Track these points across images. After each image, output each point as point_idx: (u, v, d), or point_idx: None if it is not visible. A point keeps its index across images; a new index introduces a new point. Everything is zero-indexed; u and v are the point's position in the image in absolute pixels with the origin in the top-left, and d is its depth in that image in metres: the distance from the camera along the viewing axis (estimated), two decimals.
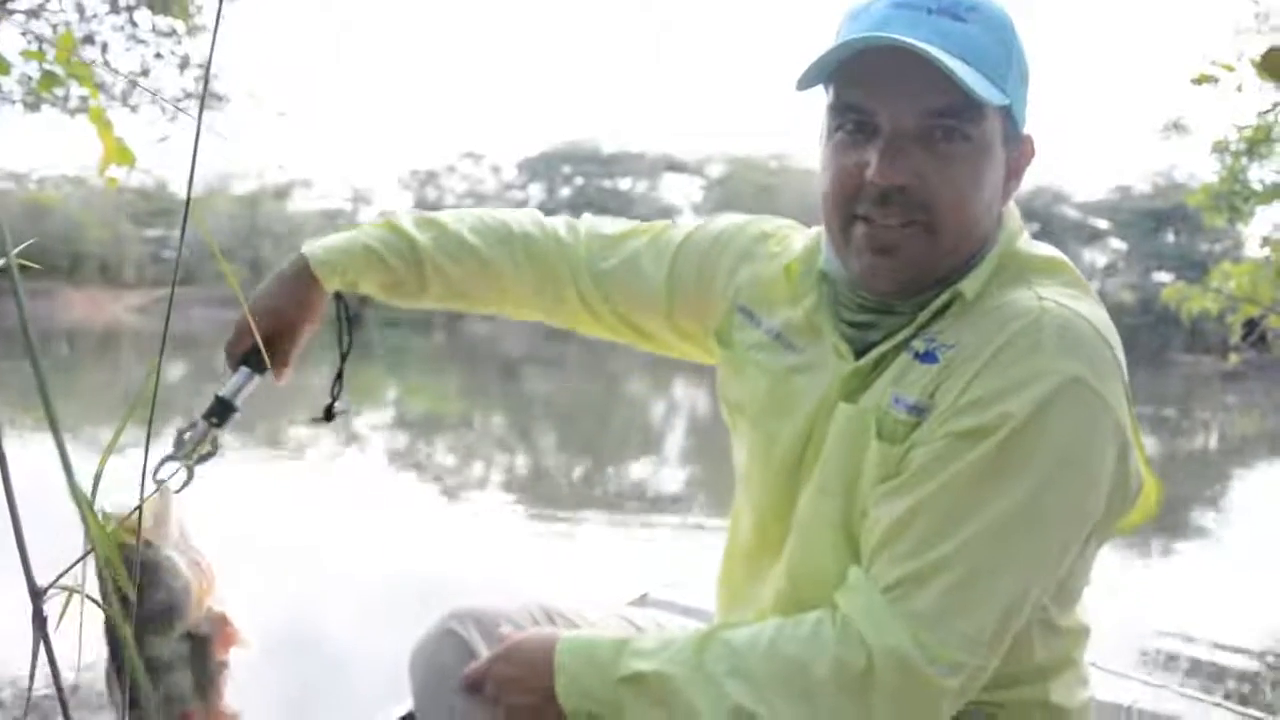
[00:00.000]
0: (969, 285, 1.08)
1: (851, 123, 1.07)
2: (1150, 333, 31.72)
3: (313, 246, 1.35)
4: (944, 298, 1.08)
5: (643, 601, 1.97)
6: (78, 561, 0.49)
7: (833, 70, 1.06)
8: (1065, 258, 1.14)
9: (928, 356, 1.06)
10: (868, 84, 1.05)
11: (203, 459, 1.25)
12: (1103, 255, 42.01)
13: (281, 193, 46.76)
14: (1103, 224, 41.47)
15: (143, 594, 1.01)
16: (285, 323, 1.33)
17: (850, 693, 1.00)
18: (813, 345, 1.18)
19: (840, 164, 1.08)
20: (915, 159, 1.04)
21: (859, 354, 1.13)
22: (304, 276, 1.33)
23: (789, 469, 1.18)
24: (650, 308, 1.38)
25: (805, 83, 1.07)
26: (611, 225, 1.42)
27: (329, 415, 1.38)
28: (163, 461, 1.19)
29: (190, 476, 1.17)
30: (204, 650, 1.08)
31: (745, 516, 1.26)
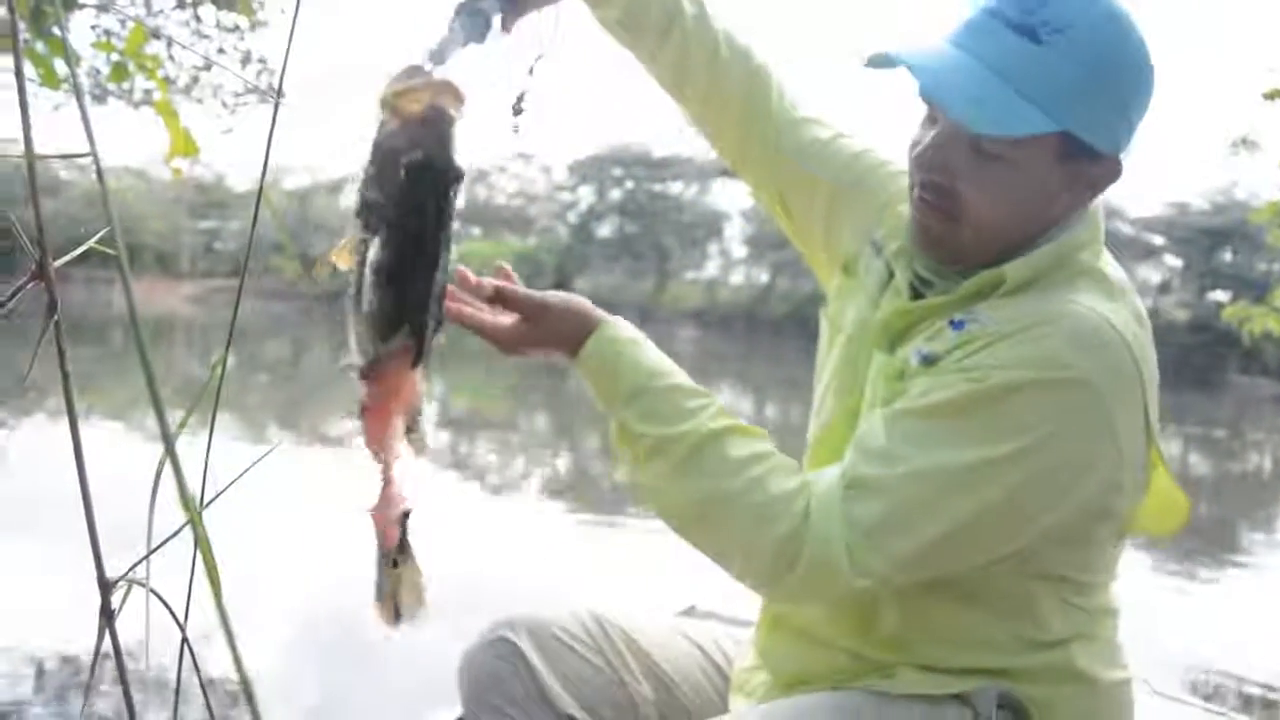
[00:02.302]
0: (1014, 269, 1.13)
1: (927, 105, 1.15)
2: (1205, 353, 31.15)
3: None
4: (989, 276, 1.13)
5: (690, 612, 1.96)
6: (150, 554, 0.48)
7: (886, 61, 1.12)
8: (1128, 282, 1.17)
9: (957, 325, 1.13)
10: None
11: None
12: (1157, 272, 41.34)
13: (334, 188, 47.28)
14: (1158, 240, 40.79)
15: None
16: None
17: (774, 557, 1.06)
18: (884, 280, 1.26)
19: (914, 136, 1.18)
20: (954, 157, 1.11)
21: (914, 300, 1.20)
22: None
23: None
24: (809, 192, 1.39)
25: (870, 66, 1.12)
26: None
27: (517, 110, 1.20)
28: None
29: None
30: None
31: (814, 428, 1.31)
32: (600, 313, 1.17)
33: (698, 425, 1.11)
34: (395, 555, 1.01)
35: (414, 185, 0.90)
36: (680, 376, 1.15)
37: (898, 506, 1.05)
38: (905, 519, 1.05)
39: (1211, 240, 39.09)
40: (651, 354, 1.16)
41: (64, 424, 0.51)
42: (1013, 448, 1.04)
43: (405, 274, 0.93)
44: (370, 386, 0.97)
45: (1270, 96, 6.70)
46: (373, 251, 0.92)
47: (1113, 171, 1.14)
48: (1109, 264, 1.18)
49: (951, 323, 1.13)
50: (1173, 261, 41.49)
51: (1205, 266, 39.93)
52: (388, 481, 1.00)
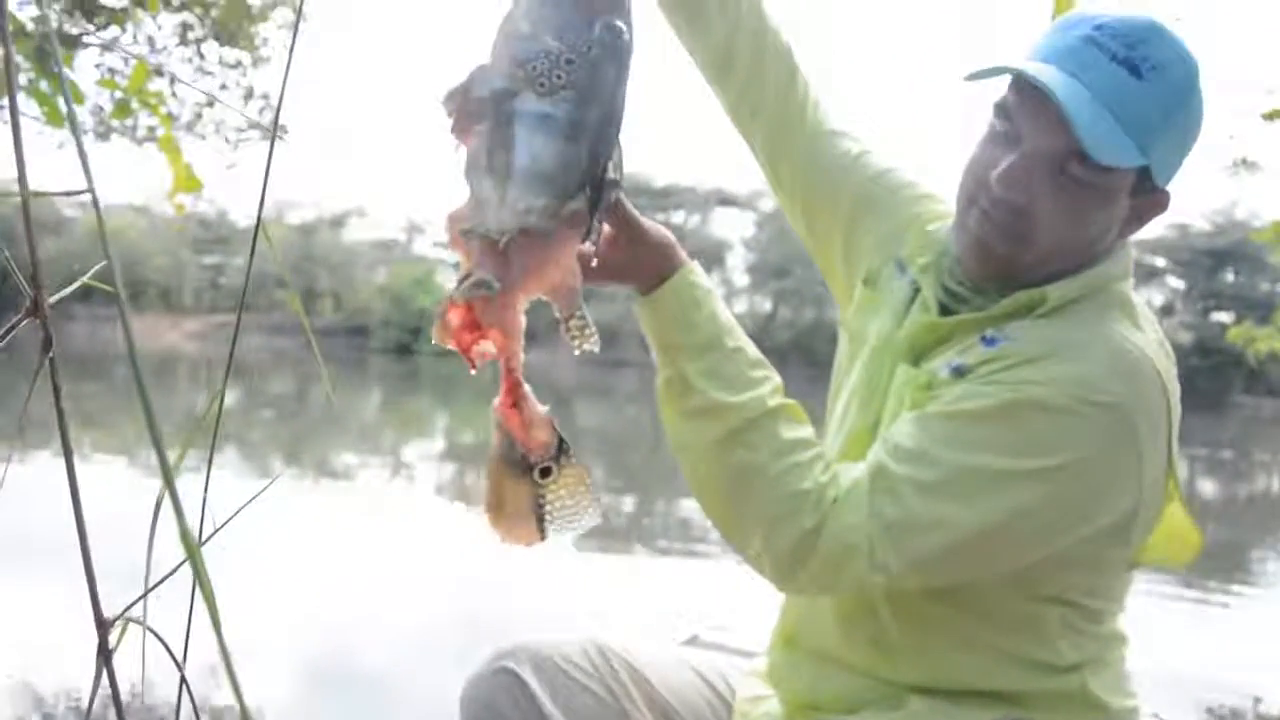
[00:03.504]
0: (1055, 290, 1.13)
1: (1003, 124, 1.14)
2: (1210, 374, 31.13)
3: None
4: (1027, 296, 1.14)
5: (693, 642, 1.95)
6: (148, 592, 0.48)
7: (1003, 73, 1.13)
8: (1151, 314, 1.19)
9: (989, 341, 1.13)
10: (1027, 100, 1.11)
11: None
12: (1159, 294, 41.37)
13: (337, 222, 47.56)
14: (1160, 262, 40.84)
15: None
16: None
17: (795, 543, 1.06)
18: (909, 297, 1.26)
19: (982, 152, 1.16)
20: (1035, 181, 1.10)
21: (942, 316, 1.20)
22: None
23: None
24: (832, 203, 1.39)
25: (978, 78, 1.14)
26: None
27: None
28: None
29: None
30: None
31: (836, 438, 1.29)
32: (683, 253, 1.11)
33: (757, 398, 1.09)
34: (548, 461, 0.91)
35: (612, 39, 0.85)
36: (746, 340, 1.12)
37: (923, 506, 1.05)
38: (929, 519, 1.05)
39: (1213, 261, 39.17)
40: (725, 310, 1.12)
41: (62, 461, 0.51)
42: (1043, 464, 1.05)
43: (595, 129, 0.86)
44: (516, 258, 0.86)
45: (1270, 117, 6.72)
46: (546, 104, 0.84)
47: (1162, 206, 1.17)
48: (1133, 293, 1.19)
49: (983, 339, 1.14)
50: (1175, 283, 41.58)
51: (1208, 287, 40.00)
52: (512, 371, 0.90)
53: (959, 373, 1.13)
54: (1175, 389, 1.13)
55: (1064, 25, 1.13)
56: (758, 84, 1.37)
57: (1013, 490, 1.05)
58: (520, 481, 0.92)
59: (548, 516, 0.93)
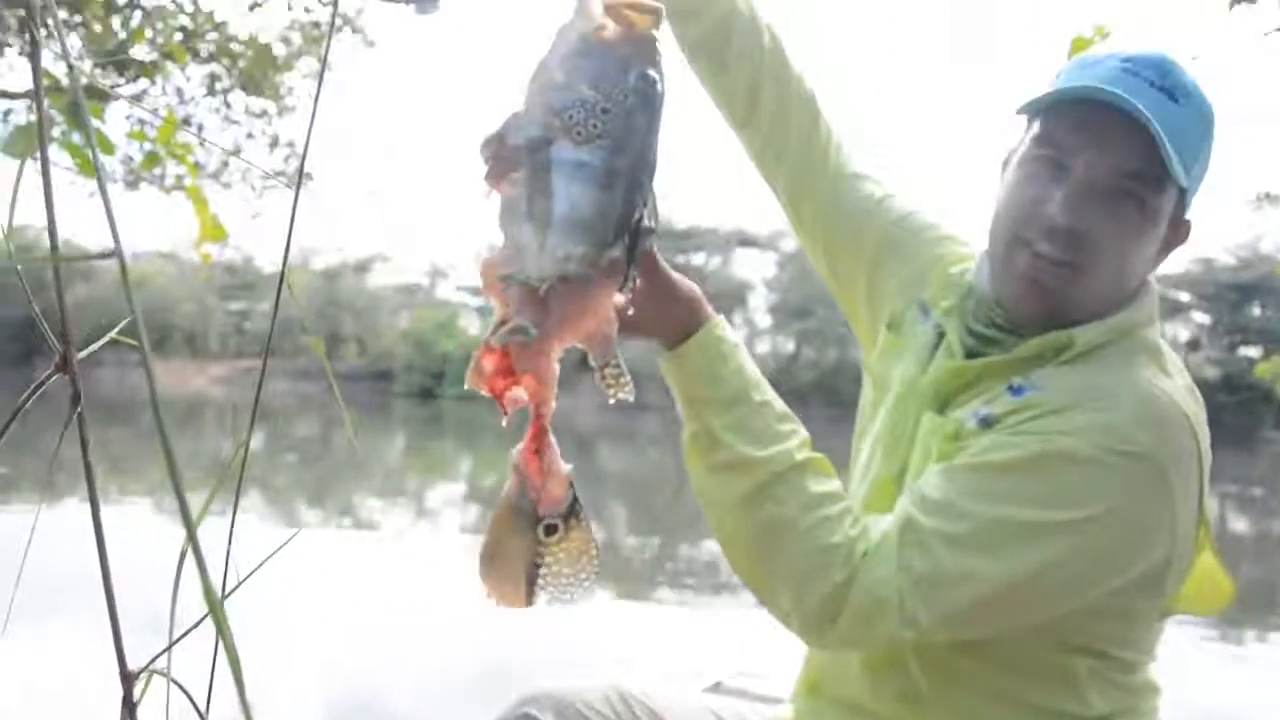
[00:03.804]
0: (1084, 334, 1.12)
1: (1048, 158, 1.12)
2: (1238, 410, 30.75)
3: None
4: (1053, 339, 1.13)
5: (716, 688, 1.93)
6: (170, 646, 0.48)
7: (1047, 105, 1.13)
8: (1178, 359, 1.18)
9: (1017, 390, 1.12)
10: (1077, 129, 1.10)
11: None
12: (1185, 329, 41.01)
13: (361, 267, 47.98)
14: (1184, 297, 40.54)
15: None
16: None
17: (825, 599, 1.04)
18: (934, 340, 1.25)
19: (1025, 191, 1.14)
20: (1096, 209, 1.10)
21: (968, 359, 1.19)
22: None
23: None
24: (855, 247, 1.38)
25: (1026, 110, 1.15)
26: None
27: None
28: None
29: None
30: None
31: (860, 486, 1.28)
32: (709, 306, 1.10)
33: (785, 451, 1.07)
34: (556, 518, 0.88)
35: (646, 89, 0.86)
36: (772, 393, 1.11)
37: (952, 559, 1.03)
38: (958, 572, 1.03)
39: (1239, 295, 38.82)
40: (751, 363, 1.11)
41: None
42: (1072, 515, 1.03)
43: (630, 177, 0.86)
44: (555, 305, 0.85)
45: None
46: (583, 152, 0.85)
47: (1186, 235, 1.18)
48: (1162, 341, 1.18)
49: (1010, 388, 1.12)
50: (1200, 318, 41.21)
51: (1233, 322, 39.62)
52: (541, 418, 0.88)
53: (986, 423, 1.11)
54: (1205, 435, 1.11)
55: (1090, 61, 1.13)
56: (781, 130, 1.37)
57: (1042, 543, 1.04)
58: (524, 535, 0.89)
59: (541, 580, 0.89)
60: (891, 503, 1.12)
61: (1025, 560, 1.03)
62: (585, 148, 0.85)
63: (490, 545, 0.89)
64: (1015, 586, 1.04)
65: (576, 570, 0.89)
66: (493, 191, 0.87)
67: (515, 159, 0.86)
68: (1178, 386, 1.11)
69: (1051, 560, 1.03)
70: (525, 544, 0.88)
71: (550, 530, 0.88)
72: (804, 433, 1.12)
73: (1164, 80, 1.09)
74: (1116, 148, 1.08)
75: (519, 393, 0.88)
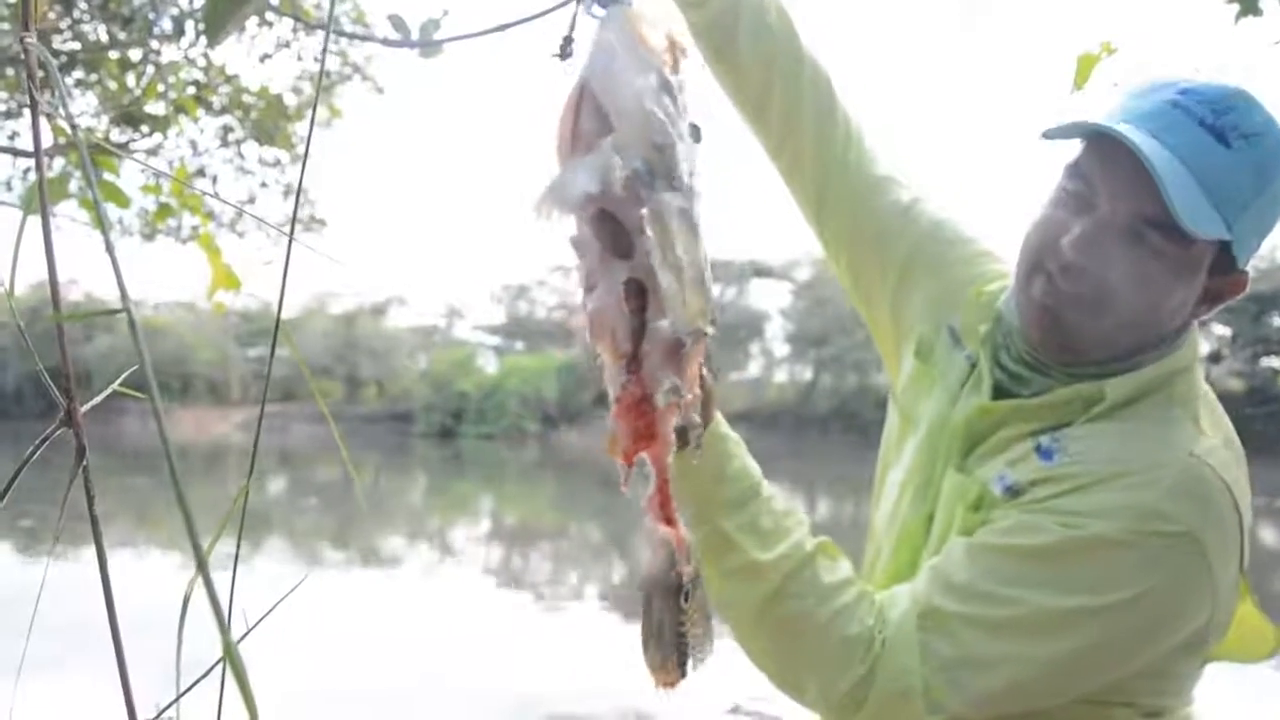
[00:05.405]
0: (1115, 388, 1.08)
1: (1076, 188, 1.08)
2: (1265, 421, 30.42)
3: None
4: (1085, 391, 1.08)
5: (735, 712, 1.92)
6: (180, 697, 0.48)
7: (1086, 132, 1.07)
8: (1217, 404, 1.13)
9: (1046, 454, 1.08)
10: (1104, 164, 1.05)
11: None
12: (1206, 342, 40.70)
13: (378, 310, 48.22)
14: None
15: None
16: None
17: (849, 689, 1.03)
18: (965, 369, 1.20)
19: (1050, 216, 1.10)
20: (1110, 250, 1.05)
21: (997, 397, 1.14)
22: None
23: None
24: (880, 261, 1.32)
25: (1055, 136, 1.09)
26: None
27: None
28: None
29: None
30: None
31: (890, 527, 1.24)
32: (712, 405, 1.05)
33: (796, 544, 1.06)
34: (688, 584, 0.83)
35: (696, 139, 0.81)
36: (767, 485, 1.09)
37: (983, 644, 1.01)
38: (986, 658, 1.01)
39: (1259, 306, 38.48)
40: (751, 459, 1.09)
41: (115, 556, 0.51)
42: (1109, 600, 1.01)
43: (701, 228, 0.80)
44: (689, 363, 0.80)
45: None
46: (680, 199, 0.78)
47: (1239, 288, 1.10)
48: (1202, 381, 1.13)
49: (1039, 449, 1.09)
50: (1221, 330, 40.88)
51: (1255, 333, 39.28)
52: (667, 484, 0.83)
53: (1012, 492, 1.08)
54: (1246, 492, 1.07)
55: (1146, 89, 1.07)
56: (796, 115, 1.30)
57: (1077, 627, 1.01)
58: (672, 608, 0.85)
59: (689, 648, 0.85)
60: (920, 549, 1.10)
61: (1057, 646, 1.01)
62: (680, 195, 0.78)
63: (652, 629, 0.86)
64: (1047, 671, 1.02)
65: (707, 627, 0.87)
66: (586, 235, 0.80)
67: (630, 201, 0.78)
68: (1215, 445, 1.06)
69: (1089, 643, 1.01)
70: (674, 617, 0.85)
71: (688, 596, 0.85)
72: (805, 517, 1.10)
73: (1218, 119, 1.01)
74: (1137, 190, 1.02)
75: (640, 456, 0.82)
